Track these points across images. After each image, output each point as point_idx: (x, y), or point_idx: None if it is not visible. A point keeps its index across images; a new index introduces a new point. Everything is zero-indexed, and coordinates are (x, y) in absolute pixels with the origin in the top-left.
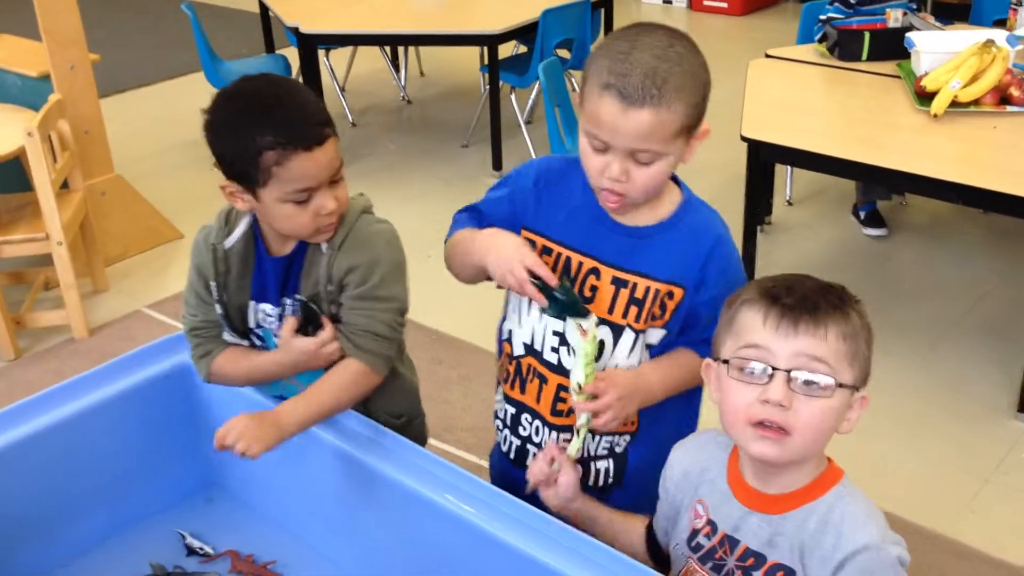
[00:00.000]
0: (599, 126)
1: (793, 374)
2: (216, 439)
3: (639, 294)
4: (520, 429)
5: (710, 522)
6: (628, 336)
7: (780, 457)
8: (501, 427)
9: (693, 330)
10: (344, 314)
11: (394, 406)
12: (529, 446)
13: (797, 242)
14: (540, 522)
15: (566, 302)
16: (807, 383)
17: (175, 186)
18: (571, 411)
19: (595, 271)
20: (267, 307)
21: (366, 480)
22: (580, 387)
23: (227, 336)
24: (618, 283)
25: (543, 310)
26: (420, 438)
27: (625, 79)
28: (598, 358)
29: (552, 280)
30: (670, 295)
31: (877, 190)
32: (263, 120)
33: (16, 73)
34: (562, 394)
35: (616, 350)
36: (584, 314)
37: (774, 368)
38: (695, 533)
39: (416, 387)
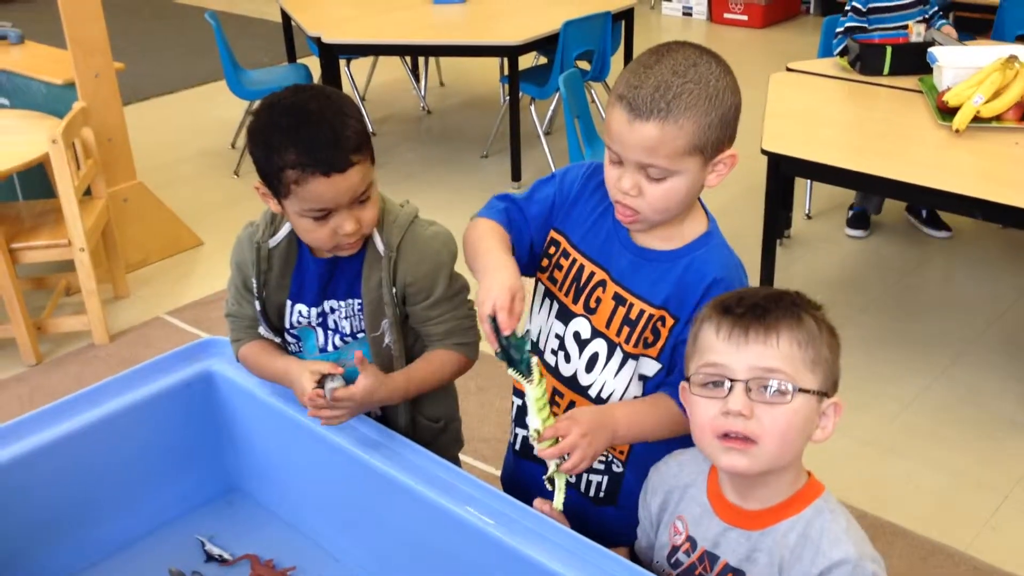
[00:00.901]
0: (611, 137)
1: (751, 383)
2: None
3: (633, 315)
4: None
5: (689, 538)
6: (618, 356)
7: (750, 467)
8: (512, 422)
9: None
10: (424, 326)
11: (434, 411)
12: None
13: (816, 256)
14: (557, 534)
15: (512, 354)
16: (764, 390)
17: (196, 194)
18: (570, 406)
19: (602, 283)
20: (302, 307)
21: (385, 488)
22: (539, 433)
23: (262, 331)
24: (618, 300)
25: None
26: (456, 442)
27: (636, 91)
28: (562, 392)
29: (505, 328)
30: (663, 321)
31: (874, 201)
32: (290, 137)
33: (41, 80)
34: (557, 398)
35: (607, 366)
36: (525, 373)
37: (732, 380)
38: (675, 550)
39: (454, 392)
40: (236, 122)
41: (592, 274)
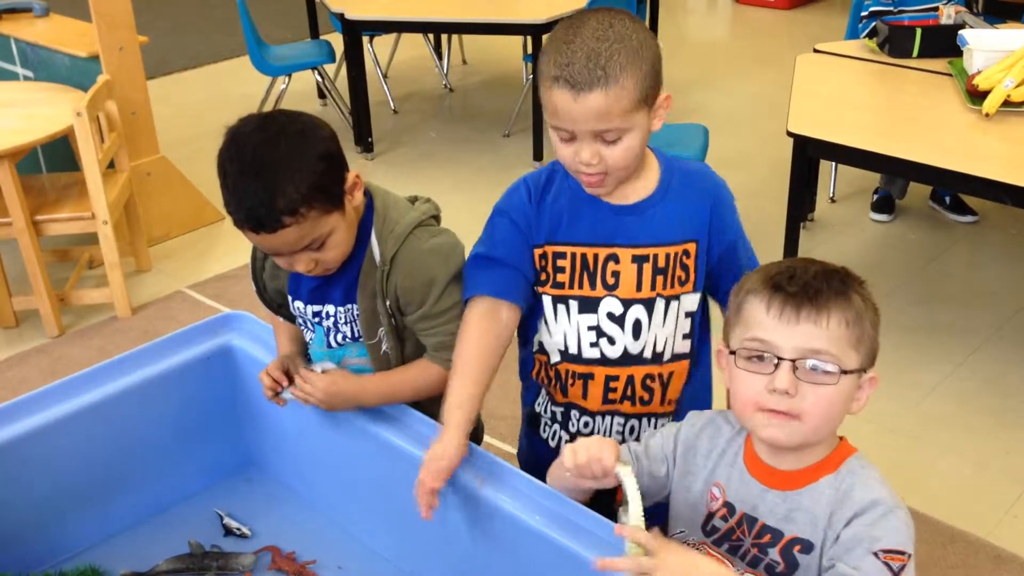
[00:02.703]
0: (558, 117)
1: (798, 363)
2: (299, 381)
3: (661, 263)
4: (570, 425)
5: (727, 503)
6: (660, 306)
7: (790, 440)
8: (550, 422)
9: (733, 275)
10: (420, 337)
11: None
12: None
13: (839, 240)
14: (579, 514)
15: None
16: (812, 371)
17: None
18: (622, 399)
19: (613, 256)
20: (300, 304)
21: (403, 466)
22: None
23: (265, 308)
24: (639, 260)
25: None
26: (476, 434)
27: (570, 67)
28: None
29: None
30: (687, 253)
31: (899, 185)
32: (230, 185)
33: (66, 53)
34: (611, 383)
35: (652, 322)
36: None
37: (779, 358)
38: (710, 516)
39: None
40: (259, 98)
41: (597, 255)
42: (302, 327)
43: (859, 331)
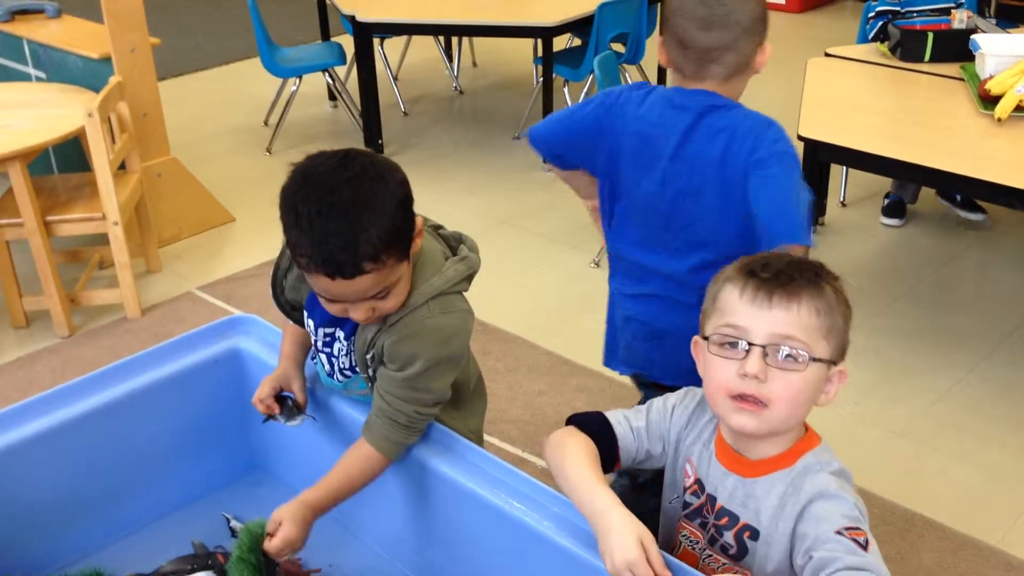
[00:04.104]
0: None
1: (768, 349)
2: (271, 549)
3: None
4: None
5: (698, 480)
6: None
7: (759, 429)
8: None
9: None
10: (375, 390)
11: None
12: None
13: (850, 244)
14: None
15: None
16: (782, 358)
17: (229, 170)
18: None
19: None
20: (311, 323)
21: (410, 471)
22: None
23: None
24: None
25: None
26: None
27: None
28: None
29: None
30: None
31: (910, 189)
32: (306, 226)
33: (78, 54)
34: None
35: None
36: None
37: (750, 344)
38: (684, 490)
39: (465, 434)
40: (270, 99)
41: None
42: (315, 348)
43: (829, 322)
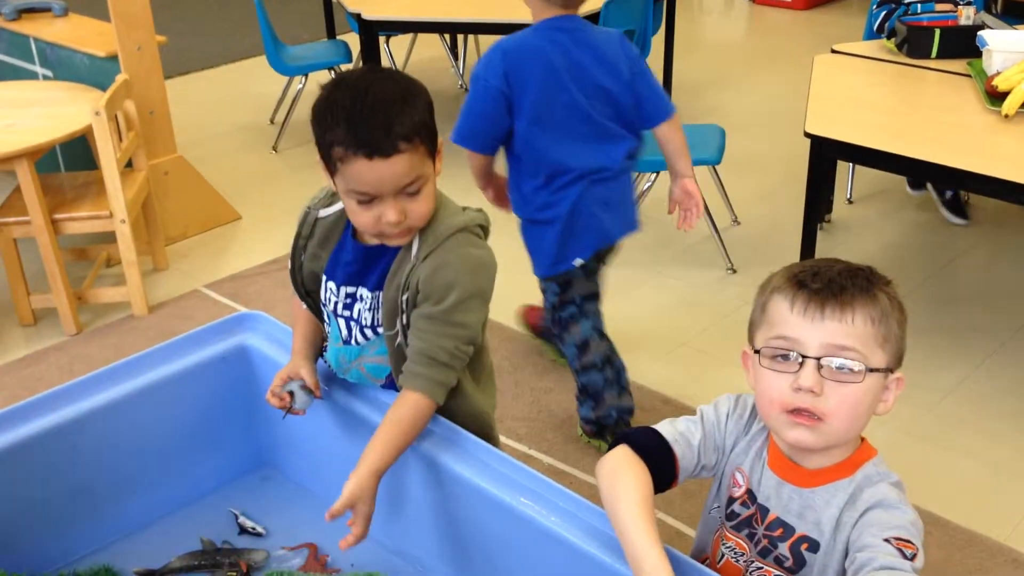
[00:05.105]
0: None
1: (823, 361)
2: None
3: None
4: None
5: (748, 491)
6: None
7: (816, 443)
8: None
9: None
10: (411, 336)
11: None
12: None
13: (857, 241)
14: (597, 517)
15: None
16: (837, 369)
17: (236, 168)
18: None
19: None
20: (332, 284)
21: (417, 467)
22: None
23: (293, 293)
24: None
25: None
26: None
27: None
28: None
29: None
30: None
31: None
32: (342, 114)
33: (84, 52)
34: None
35: None
36: None
37: (804, 356)
38: (731, 500)
39: (483, 411)
40: (276, 97)
41: None
42: (326, 318)
43: (885, 329)
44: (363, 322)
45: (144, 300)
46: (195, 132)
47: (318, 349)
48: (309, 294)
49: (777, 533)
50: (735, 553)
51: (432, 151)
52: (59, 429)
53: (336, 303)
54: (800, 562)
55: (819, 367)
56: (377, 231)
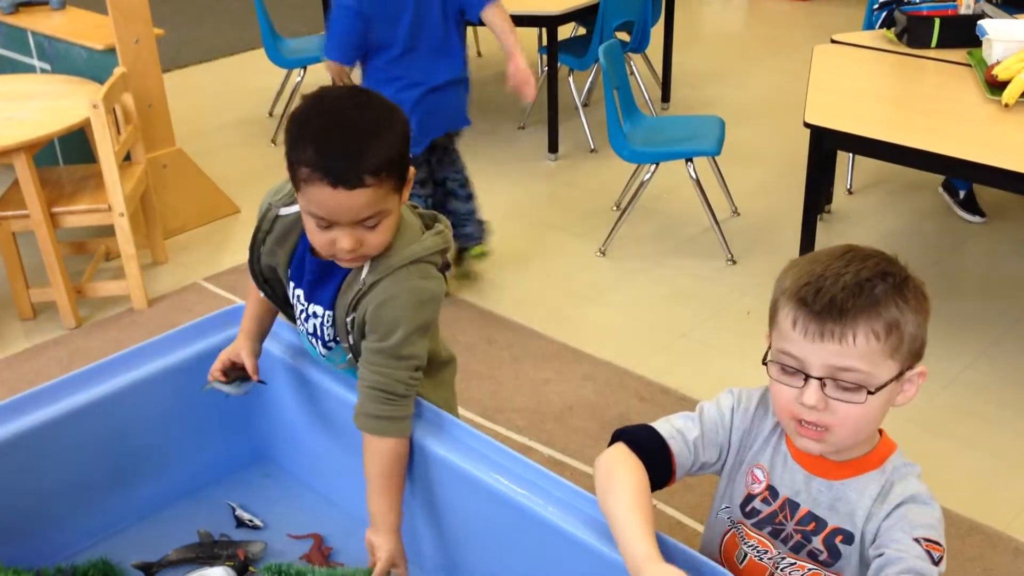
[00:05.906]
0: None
1: (826, 380)
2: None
3: None
4: None
5: (770, 487)
6: None
7: (824, 451)
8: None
9: None
10: (362, 366)
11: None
12: None
13: (857, 232)
14: (596, 508)
15: None
16: (840, 388)
17: (234, 161)
18: None
19: None
20: (300, 293)
21: (418, 460)
22: None
23: (250, 278)
24: None
25: None
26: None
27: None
28: None
29: None
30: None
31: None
32: (314, 136)
33: (82, 46)
34: None
35: None
36: None
37: (807, 375)
38: (750, 498)
39: (443, 405)
40: (274, 91)
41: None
42: (299, 322)
43: (895, 340)
44: (324, 337)
45: (143, 293)
46: (194, 125)
47: (266, 329)
48: (267, 282)
49: (810, 527)
50: (757, 552)
51: (400, 184)
52: (55, 423)
53: (303, 313)
54: (835, 554)
55: (823, 386)
56: (330, 253)
